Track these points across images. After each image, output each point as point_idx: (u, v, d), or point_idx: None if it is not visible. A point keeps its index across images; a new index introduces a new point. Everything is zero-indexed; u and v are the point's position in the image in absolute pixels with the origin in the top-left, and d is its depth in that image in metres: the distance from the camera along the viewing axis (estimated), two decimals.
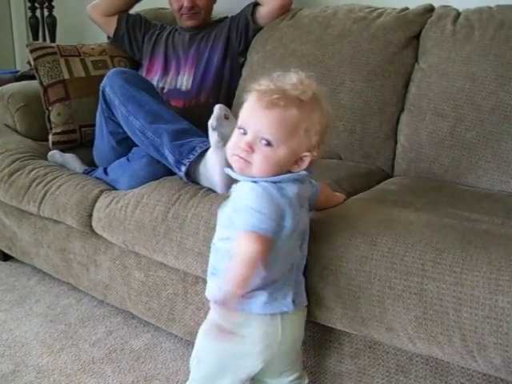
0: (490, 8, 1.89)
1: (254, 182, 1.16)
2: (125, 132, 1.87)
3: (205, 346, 1.26)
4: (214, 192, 1.61)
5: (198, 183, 1.67)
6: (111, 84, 1.88)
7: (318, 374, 1.44)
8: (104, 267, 1.89)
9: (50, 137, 2.26)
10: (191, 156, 1.65)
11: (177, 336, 1.83)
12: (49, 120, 2.27)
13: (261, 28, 2.30)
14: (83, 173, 2.06)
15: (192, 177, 1.67)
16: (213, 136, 1.55)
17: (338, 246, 1.29)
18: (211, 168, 1.60)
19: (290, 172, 1.19)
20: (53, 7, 3.27)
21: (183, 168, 1.66)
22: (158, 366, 1.73)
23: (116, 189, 1.86)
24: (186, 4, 2.32)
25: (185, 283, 1.67)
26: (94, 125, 2.10)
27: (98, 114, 2.01)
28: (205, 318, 1.60)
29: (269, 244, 1.12)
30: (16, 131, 2.37)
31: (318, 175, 1.32)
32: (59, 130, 2.26)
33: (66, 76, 2.30)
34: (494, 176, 1.72)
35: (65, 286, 2.18)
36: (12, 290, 2.18)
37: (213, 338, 1.22)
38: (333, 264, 1.28)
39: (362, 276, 1.25)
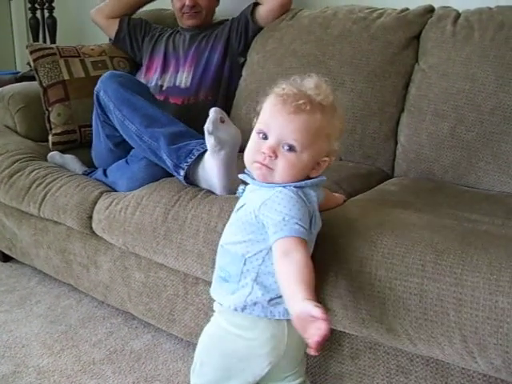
0: (490, 9, 1.89)
1: (282, 187, 1.16)
2: (121, 135, 1.87)
3: (209, 349, 1.25)
4: (214, 193, 1.61)
5: (197, 185, 1.67)
6: (105, 88, 1.87)
7: (318, 374, 1.44)
8: (104, 268, 1.89)
9: (50, 137, 2.27)
10: (189, 160, 1.65)
11: (177, 337, 1.83)
12: (49, 120, 2.27)
13: (261, 28, 2.31)
14: (83, 174, 2.06)
15: (191, 179, 1.67)
16: (209, 140, 1.55)
17: (338, 247, 1.29)
18: (209, 171, 1.60)
19: (308, 177, 1.19)
20: (53, 8, 3.28)
21: (182, 172, 1.66)
22: (158, 366, 1.73)
23: (116, 190, 1.86)
24: (187, 3, 2.33)
25: (185, 284, 1.67)
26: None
27: (93, 118, 2.00)
28: (206, 319, 1.60)
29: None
30: (16, 132, 2.37)
31: None
32: (59, 131, 2.26)
33: (66, 77, 2.31)
34: (495, 177, 1.72)
35: (65, 287, 2.18)
36: (12, 291, 2.18)
37: (220, 340, 1.22)
38: (333, 265, 1.28)
39: (362, 277, 1.25)
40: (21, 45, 3.77)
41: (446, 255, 1.18)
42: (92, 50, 2.45)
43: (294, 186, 1.16)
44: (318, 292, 1.30)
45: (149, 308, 1.79)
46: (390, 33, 1.98)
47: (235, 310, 1.18)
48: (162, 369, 1.72)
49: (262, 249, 1.17)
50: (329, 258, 1.29)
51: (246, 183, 1.26)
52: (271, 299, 1.17)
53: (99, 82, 1.91)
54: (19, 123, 2.36)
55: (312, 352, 0.96)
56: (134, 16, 2.57)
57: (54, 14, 3.28)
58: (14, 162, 2.08)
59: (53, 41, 3.27)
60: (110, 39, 2.58)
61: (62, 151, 2.21)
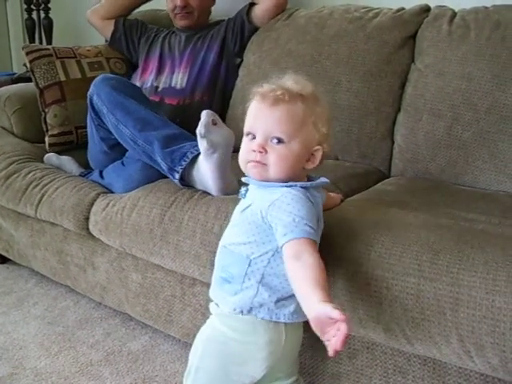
0: (486, 8, 1.89)
1: (289, 187, 1.16)
2: (116, 138, 1.87)
3: (205, 353, 1.24)
4: (210, 194, 1.61)
5: (193, 186, 1.67)
6: (98, 92, 1.87)
7: (315, 375, 1.44)
8: (101, 269, 1.88)
9: (47, 138, 2.26)
10: (183, 162, 1.64)
11: (175, 338, 1.83)
12: (45, 122, 2.27)
13: (256, 28, 2.30)
14: (79, 175, 2.05)
15: (186, 181, 1.67)
16: (202, 144, 1.55)
17: (334, 246, 1.29)
18: (204, 173, 1.60)
19: (303, 168, 1.20)
20: (49, 9, 3.27)
21: (177, 175, 1.66)
22: (156, 367, 1.73)
23: (112, 192, 1.86)
24: (178, 3, 2.34)
25: (182, 285, 1.67)
26: None
27: (87, 121, 2.00)
28: (203, 319, 1.59)
29: None
30: (12, 134, 2.36)
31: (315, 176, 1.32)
32: (55, 132, 2.26)
33: (62, 78, 2.30)
34: (491, 176, 1.73)
35: (62, 288, 2.17)
36: (9, 292, 2.18)
37: (216, 343, 1.22)
38: (330, 265, 1.27)
39: (359, 277, 1.25)
40: (17, 46, 3.76)
41: (443, 255, 1.18)
42: (88, 50, 2.45)
43: (301, 186, 1.16)
44: None
45: (146, 309, 1.79)
46: (386, 32, 1.98)
47: (241, 312, 1.18)
48: (160, 370, 1.72)
49: (267, 250, 1.16)
50: (325, 257, 1.28)
51: (243, 184, 1.27)
52: (278, 300, 1.17)
53: (92, 85, 1.90)
54: (15, 124, 2.36)
55: (331, 354, 0.96)
56: (129, 17, 2.57)
57: (50, 15, 3.27)
58: (11, 164, 2.08)
59: (49, 42, 3.27)
60: (106, 40, 2.58)
61: (59, 152, 2.21)
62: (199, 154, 1.61)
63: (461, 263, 1.16)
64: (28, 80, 2.57)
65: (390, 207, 1.46)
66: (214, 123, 1.55)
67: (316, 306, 1.00)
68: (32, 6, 3.32)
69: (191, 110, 2.18)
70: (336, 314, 0.96)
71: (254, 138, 1.18)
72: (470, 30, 1.83)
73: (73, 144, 2.29)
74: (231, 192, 1.58)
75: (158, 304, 1.75)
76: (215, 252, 1.44)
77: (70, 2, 3.39)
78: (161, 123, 1.80)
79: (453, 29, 1.87)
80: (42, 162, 2.16)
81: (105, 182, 1.93)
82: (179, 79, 2.30)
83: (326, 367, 1.42)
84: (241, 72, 2.30)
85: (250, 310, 1.17)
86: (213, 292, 1.27)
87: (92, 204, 1.82)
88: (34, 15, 3.34)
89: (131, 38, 2.51)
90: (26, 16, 3.38)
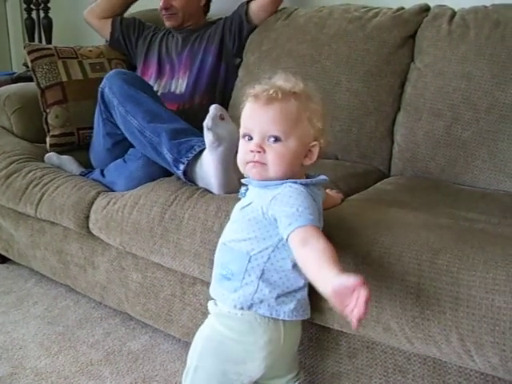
0: (486, 7, 1.89)
1: (290, 182, 1.16)
2: (122, 134, 1.87)
3: (204, 353, 1.24)
4: (211, 193, 1.61)
5: (194, 183, 1.67)
6: (110, 85, 1.88)
7: (315, 374, 1.44)
8: (101, 269, 1.88)
9: (48, 139, 2.26)
10: (190, 155, 1.65)
11: (175, 337, 1.83)
12: (46, 122, 2.27)
13: (255, 27, 2.31)
14: (80, 175, 2.05)
15: (189, 177, 1.68)
16: (208, 136, 1.55)
17: (334, 246, 1.29)
18: (207, 169, 1.60)
19: (302, 165, 1.21)
20: (49, 9, 3.27)
21: (181, 166, 1.66)
22: (156, 367, 1.73)
23: (113, 190, 1.86)
24: (161, 5, 2.36)
25: (182, 284, 1.67)
26: (91, 127, 2.10)
27: (95, 115, 2.01)
28: (203, 319, 1.59)
29: None
30: (12, 133, 2.36)
31: None
32: (57, 133, 2.26)
33: (64, 78, 2.30)
34: (491, 175, 1.73)
35: (62, 288, 2.17)
36: (9, 292, 2.18)
37: (215, 343, 1.22)
38: None
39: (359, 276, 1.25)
40: (16, 45, 3.76)
41: (443, 254, 1.18)
42: (90, 51, 2.45)
43: (300, 183, 1.17)
44: (315, 291, 1.30)
45: (146, 308, 1.79)
46: (386, 32, 1.98)
47: (241, 308, 1.18)
48: (160, 369, 1.72)
49: (267, 246, 1.17)
50: None
51: (243, 184, 1.27)
52: (278, 296, 1.18)
53: (105, 79, 1.92)
54: (15, 124, 2.36)
55: (355, 325, 0.95)
56: (127, 15, 2.57)
57: (50, 15, 3.28)
58: (11, 163, 2.08)
59: (48, 41, 3.27)
60: (106, 41, 2.58)
61: (60, 153, 2.21)
62: (205, 149, 1.61)
63: (460, 263, 1.16)
64: (28, 79, 2.57)
65: (390, 207, 1.47)
66: (222, 118, 1.56)
67: (331, 280, 0.99)
68: (31, 6, 3.33)
69: (191, 115, 2.17)
70: (351, 280, 0.95)
71: (251, 138, 1.19)
72: (470, 30, 1.83)
73: (74, 145, 2.29)
74: (232, 190, 1.58)
75: (158, 303, 1.75)
76: (215, 251, 1.45)
77: (69, 2, 3.39)
78: (170, 117, 1.81)
79: (452, 28, 1.87)
80: (42, 161, 2.16)
81: (106, 180, 1.93)
82: (178, 84, 2.31)
83: (326, 366, 1.43)
84: (240, 72, 2.30)
85: (250, 307, 1.18)
86: (213, 290, 1.27)
87: (92, 202, 1.82)
88: (34, 15, 3.34)
89: (129, 38, 2.51)
90: (25, 15, 3.39)
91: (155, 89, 2.32)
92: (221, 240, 1.27)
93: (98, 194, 1.85)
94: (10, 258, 2.30)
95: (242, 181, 1.26)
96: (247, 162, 1.20)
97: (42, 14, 3.30)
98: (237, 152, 1.25)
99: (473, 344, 1.12)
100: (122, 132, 1.88)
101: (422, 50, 1.92)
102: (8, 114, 2.36)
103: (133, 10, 2.62)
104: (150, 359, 1.77)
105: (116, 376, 1.69)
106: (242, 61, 2.33)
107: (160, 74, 2.38)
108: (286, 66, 2.10)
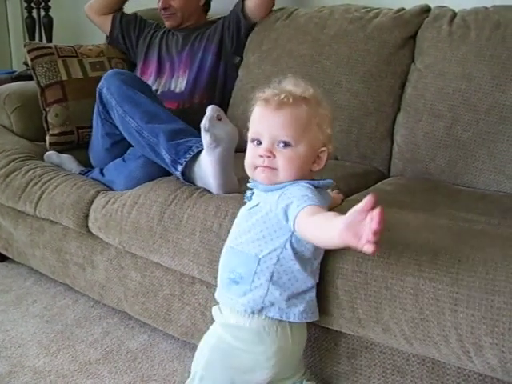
0: (486, 8, 1.89)
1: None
2: (121, 134, 1.87)
3: (211, 362, 1.23)
4: (210, 192, 1.61)
5: (193, 183, 1.67)
6: (108, 85, 1.88)
7: (314, 374, 1.44)
8: (100, 268, 1.88)
9: (48, 138, 2.26)
10: (188, 155, 1.65)
11: (173, 337, 1.83)
12: (46, 121, 2.27)
13: (253, 24, 2.31)
14: (80, 173, 2.05)
15: (187, 177, 1.67)
16: (205, 138, 1.55)
17: None
18: (205, 169, 1.60)
19: (311, 170, 1.21)
20: (49, 7, 3.27)
21: (180, 167, 1.66)
22: (154, 366, 1.73)
23: (112, 190, 1.86)
24: (160, 5, 2.36)
25: (181, 284, 1.67)
26: (91, 126, 2.09)
27: (94, 116, 2.01)
28: (202, 318, 1.60)
29: None
30: (12, 132, 2.36)
31: None
32: (57, 132, 2.25)
33: (64, 77, 2.30)
34: (490, 176, 1.73)
35: (61, 286, 2.17)
36: (8, 290, 2.17)
37: (222, 353, 1.21)
38: (329, 265, 1.28)
39: (358, 276, 1.25)
40: (17, 44, 3.76)
41: (442, 255, 1.18)
42: (90, 50, 2.45)
43: (313, 185, 1.17)
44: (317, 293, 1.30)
45: (145, 308, 1.79)
46: (387, 33, 1.98)
47: (252, 312, 1.18)
48: (159, 368, 1.72)
49: (276, 247, 1.17)
50: (324, 257, 1.28)
51: (248, 188, 1.27)
52: (289, 298, 1.18)
53: (103, 79, 1.92)
54: (15, 123, 2.35)
55: (371, 249, 0.92)
56: (128, 11, 2.56)
57: (50, 13, 3.27)
58: (10, 162, 2.08)
59: (49, 40, 3.26)
60: (106, 37, 2.58)
61: (59, 151, 2.21)
62: (203, 149, 1.61)
63: (460, 263, 1.16)
64: (28, 78, 2.57)
65: (390, 207, 1.46)
66: (219, 118, 1.56)
67: (341, 219, 0.97)
68: (32, 5, 3.32)
69: (191, 114, 2.17)
70: (362, 203, 0.93)
71: (260, 143, 1.18)
72: (470, 31, 1.83)
73: (74, 144, 2.29)
74: (231, 190, 1.58)
75: (157, 303, 1.75)
76: (214, 250, 1.45)
77: (69, 1, 3.39)
78: (168, 118, 1.81)
79: (453, 29, 1.87)
80: (42, 160, 2.16)
81: (105, 179, 1.93)
82: (178, 83, 2.31)
83: (325, 367, 1.42)
84: (240, 72, 2.30)
85: (260, 310, 1.18)
86: (219, 295, 1.27)
87: (92, 201, 1.82)
88: (34, 13, 3.34)
89: (129, 35, 2.51)
90: (26, 14, 3.39)
91: (155, 87, 2.32)
92: (228, 243, 1.27)
93: (98, 193, 1.84)
94: (9, 256, 2.30)
95: (248, 185, 1.26)
96: (256, 167, 1.20)
97: (42, 13, 3.30)
98: (244, 151, 1.24)
99: (472, 345, 1.12)
100: (120, 132, 1.87)
101: (422, 51, 1.92)
102: (8, 112, 2.35)
103: (134, 9, 2.62)
104: (148, 358, 1.77)
105: (114, 375, 1.69)
106: (241, 60, 2.33)
107: (160, 72, 2.38)
108: (287, 66, 2.10)
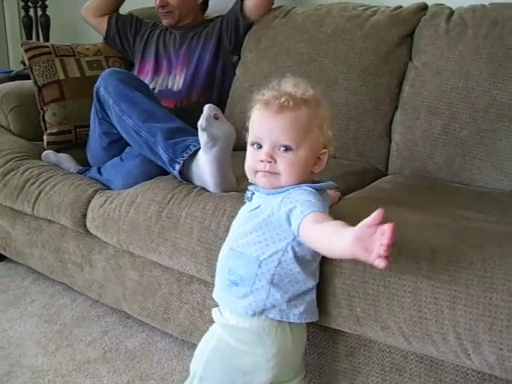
0: (484, 6, 1.89)
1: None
2: (118, 133, 1.87)
3: (211, 363, 1.23)
4: (208, 191, 1.61)
5: (191, 182, 1.67)
6: (105, 84, 1.88)
7: (313, 372, 1.44)
8: (99, 267, 1.88)
9: (45, 137, 2.26)
10: (185, 154, 1.65)
11: (172, 335, 1.83)
12: (43, 120, 2.26)
13: (251, 24, 2.31)
14: (77, 173, 2.05)
15: (185, 175, 1.67)
16: (202, 137, 1.55)
17: None
18: (202, 168, 1.60)
19: (312, 172, 1.20)
20: (46, 6, 3.26)
21: (177, 166, 1.66)
22: (153, 365, 1.73)
23: (110, 189, 1.86)
24: (157, 3, 2.36)
25: (179, 283, 1.67)
26: (89, 125, 2.09)
27: (91, 115, 2.01)
28: (200, 317, 1.60)
29: None
30: (10, 131, 2.36)
31: None
32: (54, 131, 2.25)
33: (61, 76, 2.30)
34: (488, 174, 1.73)
35: (59, 286, 2.17)
36: (6, 290, 2.17)
37: (222, 354, 1.21)
38: (327, 263, 1.28)
39: (356, 275, 1.25)
40: (14, 43, 3.76)
41: (440, 253, 1.18)
42: (87, 49, 2.44)
43: (314, 188, 1.16)
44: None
45: (143, 307, 1.79)
46: (384, 30, 1.98)
47: (253, 314, 1.18)
48: (157, 367, 1.72)
49: (277, 250, 1.16)
50: (323, 256, 1.28)
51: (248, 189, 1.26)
52: (290, 300, 1.18)
53: (100, 78, 1.92)
54: (13, 122, 2.35)
55: (383, 264, 0.90)
56: (124, 11, 2.56)
57: (47, 13, 3.27)
58: (8, 161, 2.08)
59: (46, 39, 3.26)
60: (103, 38, 2.57)
61: (57, 151, 2.20)
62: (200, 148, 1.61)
63: (458, 261, 1.16)
64: (25, 77, 2.56)
65: (388, 205, 1.45)
66: (216, 117, 1.55)
67: (350, 231, 0.96)
68: (29, 4, 3.31)
69: (189, 112, 2.17)
70: (371, 217, 0.92)
71: (260, 147, 1.17)
72: (468, 28, 1.83)
73: (71, 143, 2.29)
74: (228, 189, 1.58)
75: (156, 302, 1.75)
76: (212, 249, 1.44)
77: (66, 0, 3.38)
78: (165, 116, 1.81)
79: (450, 27, 1.87)
80: (40, 159, 2.16)
81: (103, 178, 1.93)
82: (175, 81, 2.31)
83: (324, 365, 1.42)
84: (238, 70, 2.30)
85: (262, 312, 1.18)
86: (218, 297, 1.27)
87: (90, 201, 1.81)
88: (32, 12, 3.33)
89: (125, 35, 2.51)
90: (23, 13, 3.38)
91: (152, 86, 2.32)
92: (227, 245, 1.26)
93: (95, 192, 1.84)
94: (7, 256, 2.30)
95: (249, 188, 1.26)
96: (257, 171, 1.19)
97: (39, 12, 3.29)
98: (242, 150, 1.24)
99: (470, 343, 1.12)
100: (118, 131, 1.87)
101: (419, 49, 1.92)
102: (5, 111, 2.35)
103: (130, 7, 2.62)
104: (147, 357, 1.77)
105: (113, 374, 1.69)
106: (239, 58, 2.32)
107: (157, 70, 2.38)
108: (284, 65, 2.10)
